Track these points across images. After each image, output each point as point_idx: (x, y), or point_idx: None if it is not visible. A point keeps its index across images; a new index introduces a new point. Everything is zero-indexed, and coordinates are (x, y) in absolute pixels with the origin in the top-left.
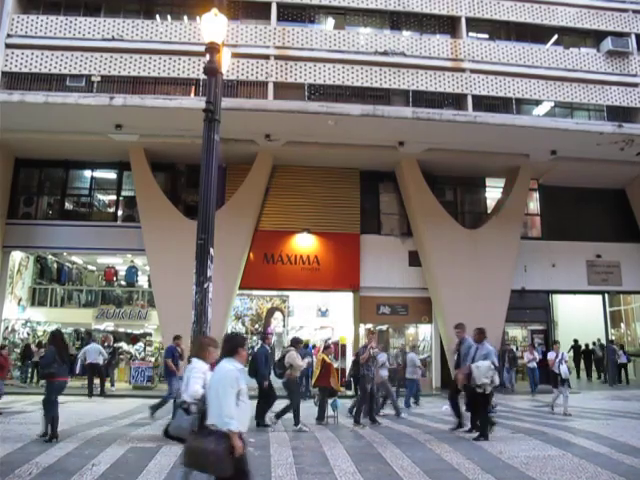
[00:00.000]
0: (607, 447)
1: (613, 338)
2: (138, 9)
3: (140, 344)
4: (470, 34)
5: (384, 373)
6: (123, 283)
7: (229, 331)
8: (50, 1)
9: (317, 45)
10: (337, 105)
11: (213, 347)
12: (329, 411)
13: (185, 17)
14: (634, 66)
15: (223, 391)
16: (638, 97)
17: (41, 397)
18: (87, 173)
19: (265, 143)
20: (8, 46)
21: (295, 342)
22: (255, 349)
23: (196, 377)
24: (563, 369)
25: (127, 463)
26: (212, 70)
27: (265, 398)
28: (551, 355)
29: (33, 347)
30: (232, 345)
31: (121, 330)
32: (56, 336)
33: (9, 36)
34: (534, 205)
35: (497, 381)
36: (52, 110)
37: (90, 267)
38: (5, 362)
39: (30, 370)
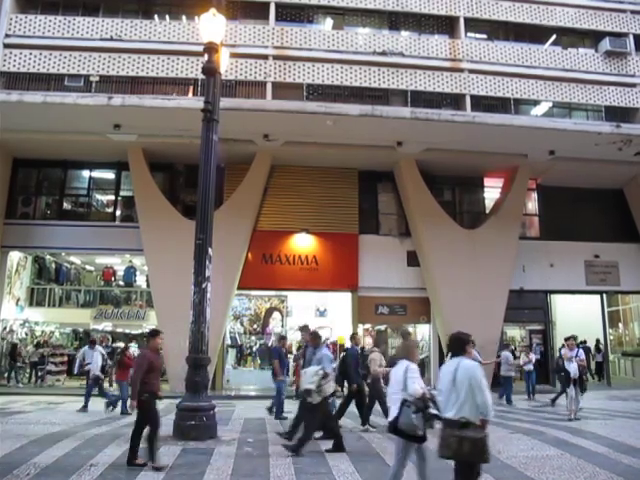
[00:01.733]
0: (605, 447)
1: (585, 338)
2: (136, 9)
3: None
4: (468, 34)
5: (511, 373)
6: (121, 283)
7: (228, 331)
8: (48, 1)
9: (316, 45)
10: (335, 105)
11: (417, 348)
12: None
13: (184, 17)
14: (632, 66)
15: (479, 385)
16: (636, 97)
17: (39, 397)
18: (85, 173)
19: (264, 143)
20: (6, 46)
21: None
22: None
23: (414, 377)
24: (572, 367)
25: (126, 463)
26: (210, 70)
27: (357, 399)
28: (564, 351)
29: (30, 347)
30: (460, 343)
31: (119, 330)
32: None
33: (7, 36)
34: (532, 205)
35: (329, 390)
36: (50, 110)
37: (88, 267)
38: (130, 362)
39: (29, 370)
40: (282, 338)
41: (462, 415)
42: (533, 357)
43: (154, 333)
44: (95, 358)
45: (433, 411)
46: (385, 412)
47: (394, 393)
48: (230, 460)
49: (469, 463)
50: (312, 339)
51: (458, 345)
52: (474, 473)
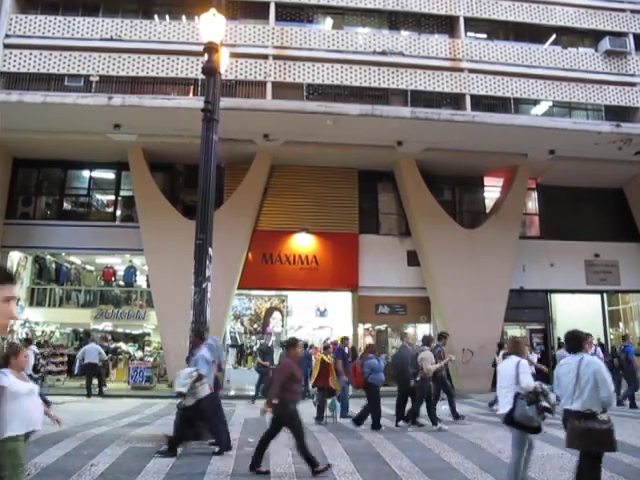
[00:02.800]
0: None
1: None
2: (136, 9)
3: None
4: (468, 34)
5: None
6: (121, 283)
7: (228, 331)
8: (48, 1)
9: (315, 45)
10: (335, 105)
11: (526, 346)
12: (327, 411)
13: (184, 17)
14: (632, 66)
15: (603, 379)
16: (636, 97)
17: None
18: (85, 173)
19: (264, 143)
20: (6, 46)
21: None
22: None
23: (526, 372)
24: None
25: (126, 463)
26: (210, 70)
27: (410, 397)
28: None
29: (34, 347)
30: (579, 340)
31: (119, 330)
32: None
33: (7, 36)
34: (532, 205)
35: (202, 393)
36: (50, 110)
37: (88, 267)
38: None
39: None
40: (345, 338)
41: (587, 407)
42: (534, 357)
43: (293, 342)
44: (29, 357)
45: (544, 404)
46: (429, 410)
47: (504, 387)
48: (230, 460)
49: (595, 452)
50: (194, 337)
51: (576, 342)
52: (599, 462)
